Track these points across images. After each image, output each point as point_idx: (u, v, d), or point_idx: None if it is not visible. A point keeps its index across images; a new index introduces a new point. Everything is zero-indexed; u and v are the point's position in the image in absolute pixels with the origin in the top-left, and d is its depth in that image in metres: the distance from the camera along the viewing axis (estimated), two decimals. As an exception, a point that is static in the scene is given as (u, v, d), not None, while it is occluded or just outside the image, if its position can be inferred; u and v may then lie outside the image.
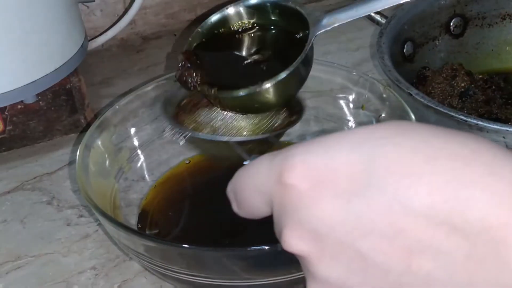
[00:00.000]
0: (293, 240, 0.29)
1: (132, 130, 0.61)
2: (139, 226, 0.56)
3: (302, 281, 0.47)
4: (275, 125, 0.50)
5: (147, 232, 0.55)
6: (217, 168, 0.62)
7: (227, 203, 0.58)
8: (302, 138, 0.64)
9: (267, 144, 0.50)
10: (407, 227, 0.26)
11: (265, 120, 0.51)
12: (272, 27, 0.51)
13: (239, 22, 0.52)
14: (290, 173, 0.28)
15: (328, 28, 0.47)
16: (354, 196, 0.27)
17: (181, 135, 0.49)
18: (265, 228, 0.54)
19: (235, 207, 0.33)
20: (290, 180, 0.28)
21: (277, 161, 0.30)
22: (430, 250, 0.26)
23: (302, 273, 0.45)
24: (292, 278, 0.46)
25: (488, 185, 0.26)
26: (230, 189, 0.33)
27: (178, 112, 0.51)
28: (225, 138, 0.48)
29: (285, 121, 0.50)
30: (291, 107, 0.50)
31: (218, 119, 0.50)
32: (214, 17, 0.51)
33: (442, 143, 0.27)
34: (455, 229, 0.26)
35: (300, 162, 0.28)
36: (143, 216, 0.57)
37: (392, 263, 0.27)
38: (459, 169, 0.26)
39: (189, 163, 0.63)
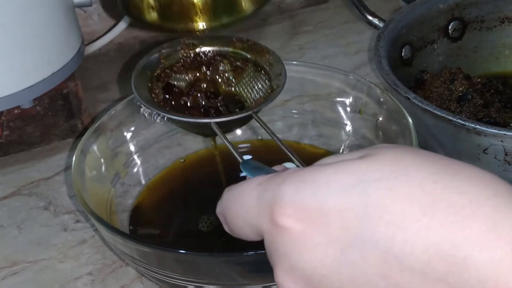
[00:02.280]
0: (287, 284, 0.28)
1: (129, 135, 0.61)
2: (131, 228, 0.55)
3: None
4: (259, 98, 0.48)
5: (139, 232, 0.55)
6: (212, 166, 0.62)
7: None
8: (300, 140, 0.63)
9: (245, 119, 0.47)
10: (402, 282, 0.25)
11: (252, 96, 0.49)
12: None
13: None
14: (281, 215, 0.28)
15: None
16: (347, 246, 0.26)
17: (158, 115, 0.46)
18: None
19: (226, 229, 0.33)
20: (282, 222, 0.28)
21: (267, 199, 0.29)
22: None
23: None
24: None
25: (486, 244, 0.24)
26: (220, 212, 0.33)
27: (153, 87, 0.48)
28: (206, 120, 0.45)
29: (267, 92, 0.47)
30: (272, 74, 0.48)
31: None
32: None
33: (440, 190, 0.26)
34: (451, 287, 0.25)
35: (291, 203, 0.28)
36: (135, 217, 0.57)
37: None
38: (457, 223, 0.25)
39: (184, 161, 0.62)
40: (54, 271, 0.56)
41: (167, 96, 0.48)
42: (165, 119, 0.46)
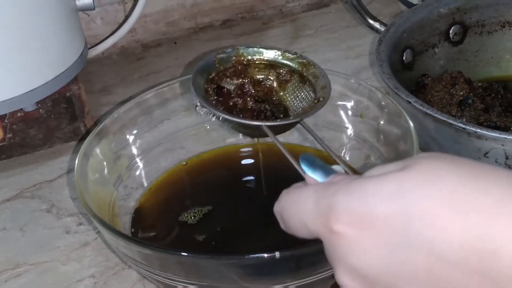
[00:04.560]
0: (346, 281, 0.33)
1: (131, 138, 0.61)
2: (133, 230, 0.56)
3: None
4: (305, 107, 0.52)
5: (139, 236, 0.55)
6: (213, 169, 0.62)
7: (220, 205, 0.58)
8: (302, 143, 0.64)
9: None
10: (443, 276, 0.29)
11: (296, 104, 0.53)
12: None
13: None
14: (336, 222, 0.32)
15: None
16: (396, 247, 0.30)
17: (212, 115, 0.49)
18: (264, 229, 0.55)
19: (282, 227, 0.37)
20: (338, 228, 0.32)
21: (323, 206, 0.33)
22: None
23: (299, 281, 0.46)
24: (291, 285, 0.46)
25: None
26: (277, 212, 0.37)
27: (208, 89, 0.52)
28: (257, 123, 0.48)
29: (313, 102, 0.51)
30: (317, 86, 0.52)
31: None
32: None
33: (469, 194, 0.29)
34: (486, 277, 0.28)
35: (344, 210, 0.32)
36: (137, 219, 0.57)
37: None
38: (486, 222, 0.28)
39: (185, 164, 0.63)
40: (57, 274, 0.57)
41: (219, 97, 0.52)
42: (220, 119, 0.49)
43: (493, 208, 0.29)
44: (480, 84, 0.68)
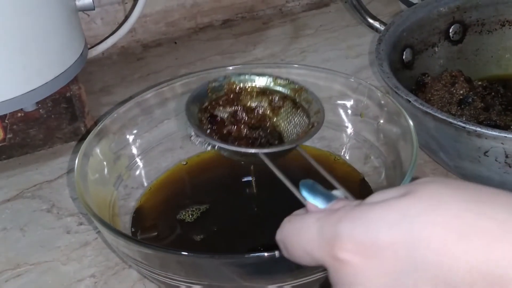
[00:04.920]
0: None
1: (131, 138, 0.61)
2: (133, 230, 0.56)
3: (302, 287, 0.47)
4: (300, 132, 0.52)
5: (139, 236, 0.55)
6: (213, 169, 0.62)
7: (220, 204, 0.58)
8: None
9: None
10: None
11: (290, 129, 0.53)
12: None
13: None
14: (341, 250, 0.32)
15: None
16: (401, 274, 0.30)
17: (208, 144, 0.50)
18: (265, 229, 0.55)
19: (285, 254, 0.37)
20: (343, 256, 0.32)
21: (326, 235, 0.33)
22: None
23: (299, 280, 0.46)
24: (291, 284, 0.46)
25: None
26: (280, 240, 0.37)
27: (202, 118, 0.52)
28: (253, 150, 0.48)
29: (309, 127, 0.51)
30: (311, 111, 0.52)
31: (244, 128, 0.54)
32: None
33: (472, 218, 0.29)
34: None
35: (348, 238, 0.32)
36: (137, 219, 0.57)
37: None
38: (489, 246, 0.28)
39: (185, 164, 0.63)
40: (57, 274, 0.57)
41: (213, 126, 0.53)
42: (215, 147, 0.50)
43: (496, 232, 0.29)
44: (480, 83, 0.68)
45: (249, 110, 0.54)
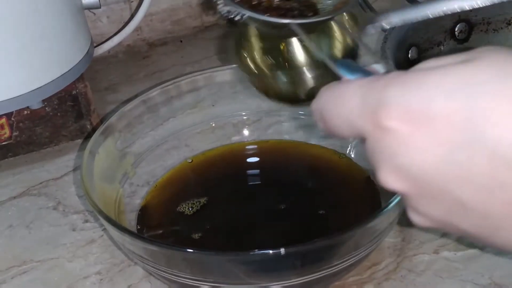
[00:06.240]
0: (390, 181, 0.30)
1: (137, 136, 0.61)
2: (139, 227, 0.56)
3: (306, 285, 0.47)
4: (336, 2, 0.48)
5: (145, 233, 0.55)
6: (218, 167, 0.62)
7: (225, 202, 0.58)
8: (308, 141, 0.64)
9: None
10: (507, 181, 0.27)
11: (324, 1, 0.49)
12: None
13: None
14: (387, 117, 0.29)
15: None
16: (455, 147, 0.27)
17: (236, 14, 0.45)
18: (270, 226, 0.55)
19: (321, 127, 0.34)
20: (389, 124, 0.29)
21: (371, 102, 0.30)
22: None
23: (304, 277, 0.46)
24: (296, 282, 0.46)
25: None
26: (316, 110, 0.34)
27: None
28: (286, 21, 0.44)
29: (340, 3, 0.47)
30: None
31: None
32: None
33: None
34: None
35: (397, 105, 0.29)
36: (142, 216, 0.57)
37: (492, 211, 0.28)
38: None
39: (191, 162, 0.63)
40: (63, 271, 0.57)
41: None
42: (244, 17, 0.45)
43: None
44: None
45: None
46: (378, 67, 0.35)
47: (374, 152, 0.30)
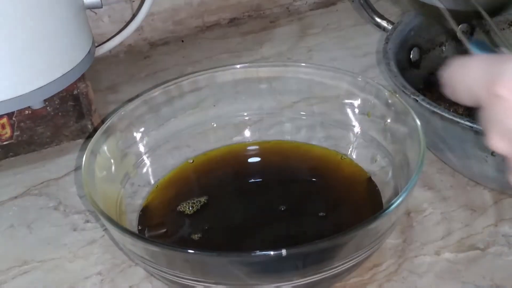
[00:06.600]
0: (497, 143, 0.35)
1: (138, 136, 0.61)
2: (140, 228, 0.56)
3: (308, 286, 0.47)
4: None
5: (146, 233, 0.55)
6: (220, 167, 0.62)
7: (226, 202, 0.58)
8: (309, 142, 0.64)
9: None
10: None
11: None
12: None
13: None
14: (501, 87, 0.33)
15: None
16: None
17: None
18: (271, 227, 0.55)
19: (447, 92, 0.38)
20: (501, 92, 0.33)
21: (491, 72, 0.34)
22: None
23: (306, 278, 0.46)
24: (298, 283, 0.46)
25: None
26: (447, 77, 0.38)
27: None
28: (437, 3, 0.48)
29: None
30: None
31: None
32: None
33: None
34: None
35: (510, 77, 0.33)
36: (143, 217, 0.57)
37: None
38: None
39: (192, 162, 0.63)
40: (64, 271, 0.57)
41: None
42: None
43: None
44: (487, 82, 0.67)
45: None
46: (505, 50, 0.40)
47: (486, 117, 0.35)
